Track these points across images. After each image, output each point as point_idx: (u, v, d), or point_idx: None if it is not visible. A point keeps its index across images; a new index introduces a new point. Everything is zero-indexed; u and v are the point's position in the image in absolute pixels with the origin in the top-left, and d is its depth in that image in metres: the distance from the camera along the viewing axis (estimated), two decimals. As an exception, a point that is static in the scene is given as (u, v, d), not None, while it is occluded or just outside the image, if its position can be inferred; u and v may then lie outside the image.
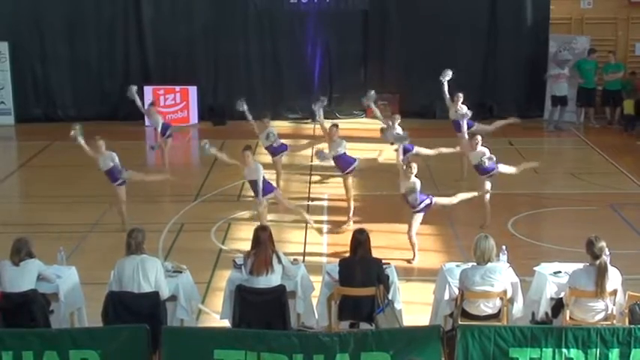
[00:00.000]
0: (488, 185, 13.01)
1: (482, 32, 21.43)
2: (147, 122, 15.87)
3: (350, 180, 13.42)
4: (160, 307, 8.54)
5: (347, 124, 21.02)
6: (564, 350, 7.60)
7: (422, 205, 11.74)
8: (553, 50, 20.84)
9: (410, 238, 11.85)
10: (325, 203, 14.62)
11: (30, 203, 13.93)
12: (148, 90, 20.74)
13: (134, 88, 16.05)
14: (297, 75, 21.62)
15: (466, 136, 14.92)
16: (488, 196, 12.98)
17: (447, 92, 15.60)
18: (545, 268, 9.36)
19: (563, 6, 21.59)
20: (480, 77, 21.54)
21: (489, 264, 8.64)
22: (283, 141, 15.16)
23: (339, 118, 21.53)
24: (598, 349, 7.60)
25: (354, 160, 13.32)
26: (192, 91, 20.99)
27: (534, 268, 9.46)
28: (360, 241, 8.99)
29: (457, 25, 21.10)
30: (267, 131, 14.73)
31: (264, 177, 12.01)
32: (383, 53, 21.77)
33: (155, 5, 21.32)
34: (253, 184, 12.07)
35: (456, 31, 21.08)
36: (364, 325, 8.84)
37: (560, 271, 9.18)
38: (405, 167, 11.88)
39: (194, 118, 20.96)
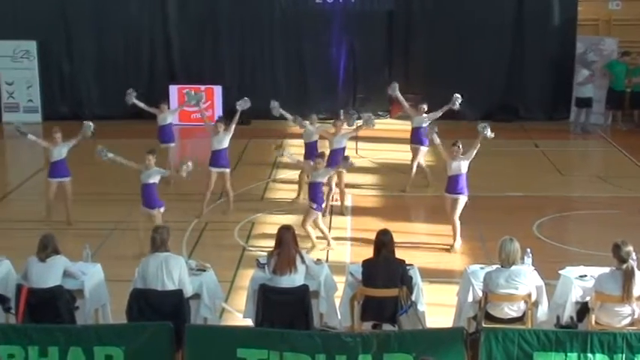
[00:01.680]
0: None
1: (508, 33, 21.32)
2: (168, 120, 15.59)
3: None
4: (184, 305, 8.55)
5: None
6: (589, 355, 7.55)
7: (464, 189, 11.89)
8: (580, 51, 20.70)
9: (454, 223, 11.98)
10: (349, 203, 14.58)
11: (56, 200, 13.97)
12: (174, 89, 20.84)
13: (133, 94, 15.66)
14: (321, 75, 21.63)
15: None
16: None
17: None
18: (570, 272, 9.28)
19: (590, 7, 21.45)
20: (506, 78, 21.45)
21: (514, 267, 8.59)
22: None
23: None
24: (624, 355, 7.54)
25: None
26: (217, 90, 21.04)
27: (559, 272, 9.38)
28: (384, 241, 8.96)
29: (483, 26, 21.00)
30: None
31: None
32: (408, 54, 21.73)
33: (181, 5, 21.42)
34: (146, 188, 11.83)
35: (481, 31, 20.99)
36: (387, 327, 8.81)
37: (585, 275, 9.11)
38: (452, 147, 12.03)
39: (219, 117, 20.97)
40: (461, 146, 12.00)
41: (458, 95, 14.76)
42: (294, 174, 15.35)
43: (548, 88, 21.34)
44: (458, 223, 12.19)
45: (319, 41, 21.55)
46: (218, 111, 20.91)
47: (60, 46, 21.35)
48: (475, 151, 12.02)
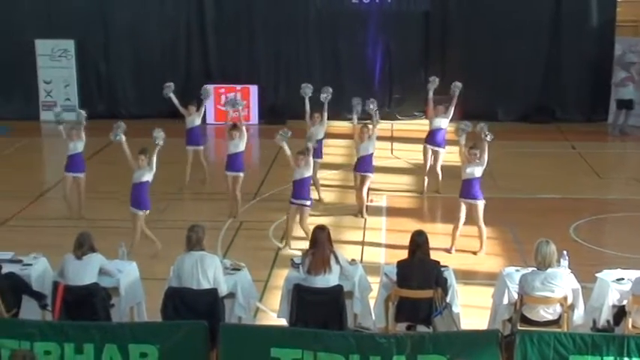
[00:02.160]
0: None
1: (545, 34, 21.16)
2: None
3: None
4: (219, 304, 8.58)
5: (407, 126, 20.97)
6: (626, 359, 7.46)
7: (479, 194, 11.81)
8: (618, 53, 20.49)
9: (480, 228, 11.94)
10: (384, 204, 14.55)
11: (93, 199, 14.12)
12: (210, 89, 20.90)
13: (172, 87, 15.77)
14: (357, 75, 21.58)
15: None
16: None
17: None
18: (607, 275, 9.20)
19: (630, 8, 21.23)
20: (542, 79, 21.28)
21: (550, 269, 8.52)
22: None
23: (399, 120, 21.50)
24: (660, 358, 7.46)
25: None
26: (253, 90, 21.12)
27: (596, 275, 9.30)
28: (419, 243, 8.93)
29: (520, 27, 20.85)
30: None
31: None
32: (444, 54, 21.62)
33: (217, 4, 21.52)
34: (135, 187, 11.83)
35: (518, 32, 20.84)
36: (421, 328, 8.79)
37: (622, 278, 9.02)
38: (467, 151, 11.86)
39: (255, 117, 21.06)
40: (479, 152, 11.79)
41: (458, 83, 14.58)
42: (328, 174, 15.35)
43: (585, 89, 21.14)
44: (484, 228, 12.07)
45: (355, 41, 21.55)
46: (254, 110, 21.01)
47: (97, 45, 21.56)
48: (486, 155, 11.85)
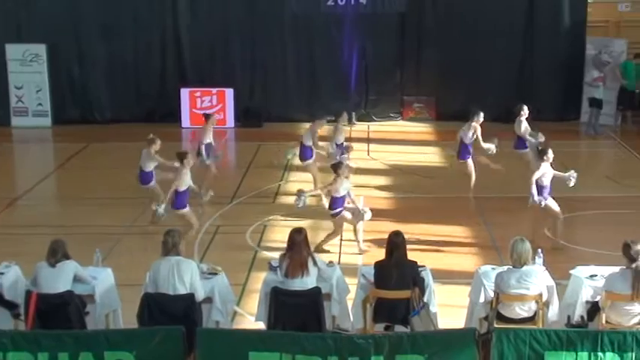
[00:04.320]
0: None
1: (518, 34, 21.33)
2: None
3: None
4: (196, 309, 8.56)
5: (383, 127, 21.04)
6: (600, 354, 7.53)
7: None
8: (590, 53, 20.68)
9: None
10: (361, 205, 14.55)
11: (67, 205, 14.05)
12: (185, 92, 20.91)
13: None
14: (333, 77, 21.65)
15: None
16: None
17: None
18: (581, 272, 9.28)
19: (600, 9, 21.44)
20: (516, 79, 21.44)
21: (525, 267, 8.58)
22: (323, 143, 15.26)
23: (375, 121, 21.57)
24: (634, 353, 7.52)
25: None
26: (229, 93, 21.08)
27: (570, 272, 9.38)
28: (396, 243, 8.96)
29: (494, 28, 21.01)
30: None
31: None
32: (419, 56, 21.73)
33: (192, 8, 21.45)
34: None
35: (492, 33, 20.98)
36: (399, 328, 8.81)
37: (596, 275, 9.10)
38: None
39: (230, 120, 21.03)
40: None
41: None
42: (306, 176, 15.36)
43: (558, 89, 21.33)
44: None
45: (331, 43, 21.58)
46: (230, 113, 20.96)
47: (70, 49, 21.36)
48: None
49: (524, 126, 15.11)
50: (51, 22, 21.08)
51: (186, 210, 12.10)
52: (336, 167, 12.17)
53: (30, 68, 21.06)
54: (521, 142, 15.15)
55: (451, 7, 21.20)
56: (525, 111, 15.11)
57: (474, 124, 14.75)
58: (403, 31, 21.67)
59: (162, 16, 21.51)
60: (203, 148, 14.58)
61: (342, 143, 15.15)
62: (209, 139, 14.80)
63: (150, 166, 13.26)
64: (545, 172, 12.03)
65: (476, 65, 20.98)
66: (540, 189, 12.01)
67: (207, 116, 15.34)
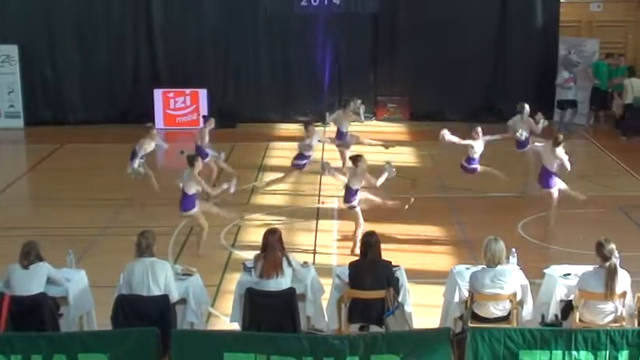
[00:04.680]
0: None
1: (491, 35, 21.44)
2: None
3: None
4: (170, 311, 8.53)
5: (356, 127, 21.03)
6: (574, 352, 7.58)
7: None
8: (562, 53, 20.82)
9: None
10: (335, 206, 14.58)
11: (39, 206, 13.95)
12: (158, 93, 20.83)
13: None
14: (307, 78, 21.66)
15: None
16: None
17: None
18: (554, 271, 9.32)
19: (572, 9, 21.60)
20: (489, 79, 21.57)
21: (499, 266, 8.62)
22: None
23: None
24: (607, 351, 7.58)
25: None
26: (202, 93, 21.03)
27: (544, 271, 9.43)
28: (371, 243, 8.97)
29: (466, 28, 21.10)
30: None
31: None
32: (393, 56, 21.79)
33: (165, 8, 21.38)
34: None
35: (465, 34, 21.09)
36: (374, 328, 8.82)
37: (569, 274, 9.15)
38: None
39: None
40: None
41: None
42: (280, 177, 15.35)
43: (531, 88, 21.38)
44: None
45: (304, 44, 21.58)
46: (203, 113, 20.87)
47: (42, 50, 21.22)
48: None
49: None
50: (23, 22, 20.93)
51: (196, 211, 12.04)
52: (356, 160, 12.18)
53: (2, 69, 20.90)
54: (521, 142, 15.15)
55: (424, 7, 21.26)
56: (527, 110, 15.35)
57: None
58: (377, 31, 21.74)
59: (135, 17, 21.41)
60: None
61: (347, 132, 15.63)
62: (205, 141, 14.80)
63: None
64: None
65: (449, 66, 21.07)
66: (549, 175, 12.19)
67: (205, 118, 15.34)
